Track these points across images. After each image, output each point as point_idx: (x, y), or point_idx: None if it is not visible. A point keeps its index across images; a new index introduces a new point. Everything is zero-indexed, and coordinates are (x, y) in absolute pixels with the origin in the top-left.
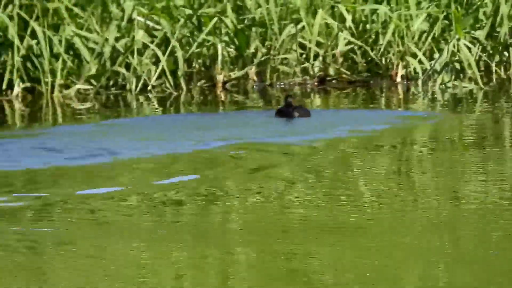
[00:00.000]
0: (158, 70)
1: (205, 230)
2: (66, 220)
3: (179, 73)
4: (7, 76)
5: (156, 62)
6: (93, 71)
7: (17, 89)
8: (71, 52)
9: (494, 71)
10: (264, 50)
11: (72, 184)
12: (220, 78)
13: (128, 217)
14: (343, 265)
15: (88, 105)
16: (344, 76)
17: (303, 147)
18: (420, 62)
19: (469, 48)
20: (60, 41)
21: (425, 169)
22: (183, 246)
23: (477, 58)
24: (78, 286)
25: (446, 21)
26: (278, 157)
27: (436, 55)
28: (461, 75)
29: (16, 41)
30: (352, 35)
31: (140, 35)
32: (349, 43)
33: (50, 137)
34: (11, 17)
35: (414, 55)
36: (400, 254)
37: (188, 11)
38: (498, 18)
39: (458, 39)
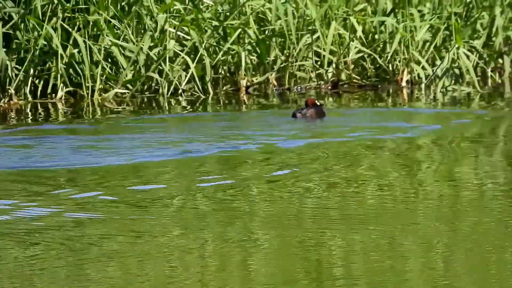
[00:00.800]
0: (188, 76)
1: (229, 220)
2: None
3: (207, 78)
4: (51, 81)
5: (186, 68)
6: (129, 76)
7: (60, 93)
8: (109, 60)
9: (489, 76)
10: (283, 57)
11: (120, 180)
12: (243, 83)
13: (163, 210)
14: (353, 251)
15: (124, 107)
16: (355, 81)
17: (324, 144)
18: (423, 68)
19: (467, 56)
20: (99, 50)
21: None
22: (211, 232)
23: (474, 64)
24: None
25: (447, 32)
26: (292, 155)
27: (438, 62)
28: (460, 80)
29: (60, 50)
30: (362, 44)
31: (171, 45)
32: (359, 51)
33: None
34: (55, 29)
35: (418, 62)
36: (405, 241)
37: (215, 23)
38: (494, 29)
39: (458, 48)
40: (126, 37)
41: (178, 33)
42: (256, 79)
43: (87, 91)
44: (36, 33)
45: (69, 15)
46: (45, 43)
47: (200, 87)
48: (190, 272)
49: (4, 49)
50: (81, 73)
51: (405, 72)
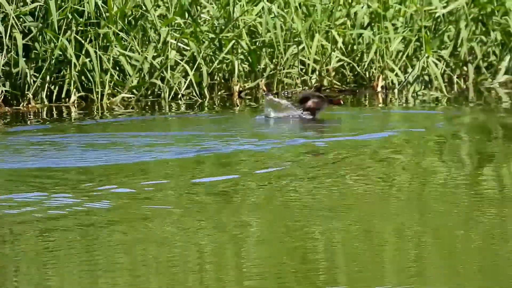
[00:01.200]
0: (187, 82)
1: (223, 211)
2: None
3: (204, 84)
4: (65, 87)
5: (185, 75)
6: (134, 83)
7: (73, 97)
8: (117, 68)
9: (455, 82)
10: (272, 66)
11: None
12: (236, 88)
13: (163, 203)
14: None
15: (130, 110)
16: (335, 86)
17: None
18: (396, 75)
19: (436, 64)
20: (108, 59)
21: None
22: (206, 221)
23: (442, 72)
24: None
25: (418, 43)
26: (283, 153)
27: (410, 70)
28: (429, 86)
29: (73, 59)
30: (343, 54)
31: (172, 54)
32: (340, 60)
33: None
34: (69, 41)
35: (392, 70)
36: (382, 232)
37: (211, 35)
38: (459, 41)
39: (427, 57)
40: (133, 47)
41: (179, 44)
42: (248, 84)
43: (97, 96)
44: (52, 44)
45: (82, 28)
46: (60, 53)
47: (197, 92)
48: (189, 258)
49: (24, 59)
50: (92, 80)
51: (380, 79)
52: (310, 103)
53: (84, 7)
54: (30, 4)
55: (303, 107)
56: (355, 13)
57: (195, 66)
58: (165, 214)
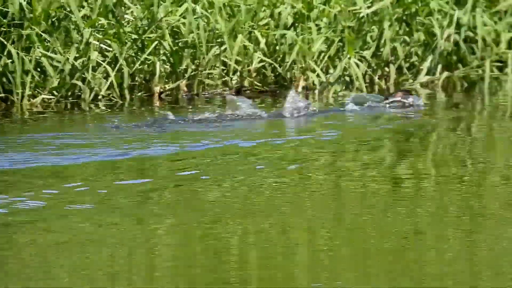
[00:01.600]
0: (108, 83)
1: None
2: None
3: (125, 85)
4: None
5: (106, 76)
6: (55, 84)
7: None
8: (39, 69)
9: (376, 82)
10: (193, 67)
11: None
12: (157, 89)
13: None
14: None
15: (50, 111)
16: (256, 87)
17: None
18: (318, 76)
19: (357, 65)
20: (30, 60)
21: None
22: (162, 221)
23: (363, 72)
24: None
25: (341, 43)
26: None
27: (331, 71)
28: (350, 86)
29: None
30: (265, 54)
31: (94, 55)
32: (261, 61)
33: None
34: None
35: (314, 70)
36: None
37: (135, 36)
38: (382, 41)
39: (349, 58)
40: (55, 49)
41: (101, 45)
42: (169, 86)
43: (18, 97)
44: None
45: (5, 29)
46: None
47: (118, 93)
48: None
49: None
50: (13, 81)
51: (302, 79)
52: (399, 94)
53: (8, 8)
54: None
55: (393, 99)
56: (279, 14)
57: (117, 67)
58: (85, 215)
